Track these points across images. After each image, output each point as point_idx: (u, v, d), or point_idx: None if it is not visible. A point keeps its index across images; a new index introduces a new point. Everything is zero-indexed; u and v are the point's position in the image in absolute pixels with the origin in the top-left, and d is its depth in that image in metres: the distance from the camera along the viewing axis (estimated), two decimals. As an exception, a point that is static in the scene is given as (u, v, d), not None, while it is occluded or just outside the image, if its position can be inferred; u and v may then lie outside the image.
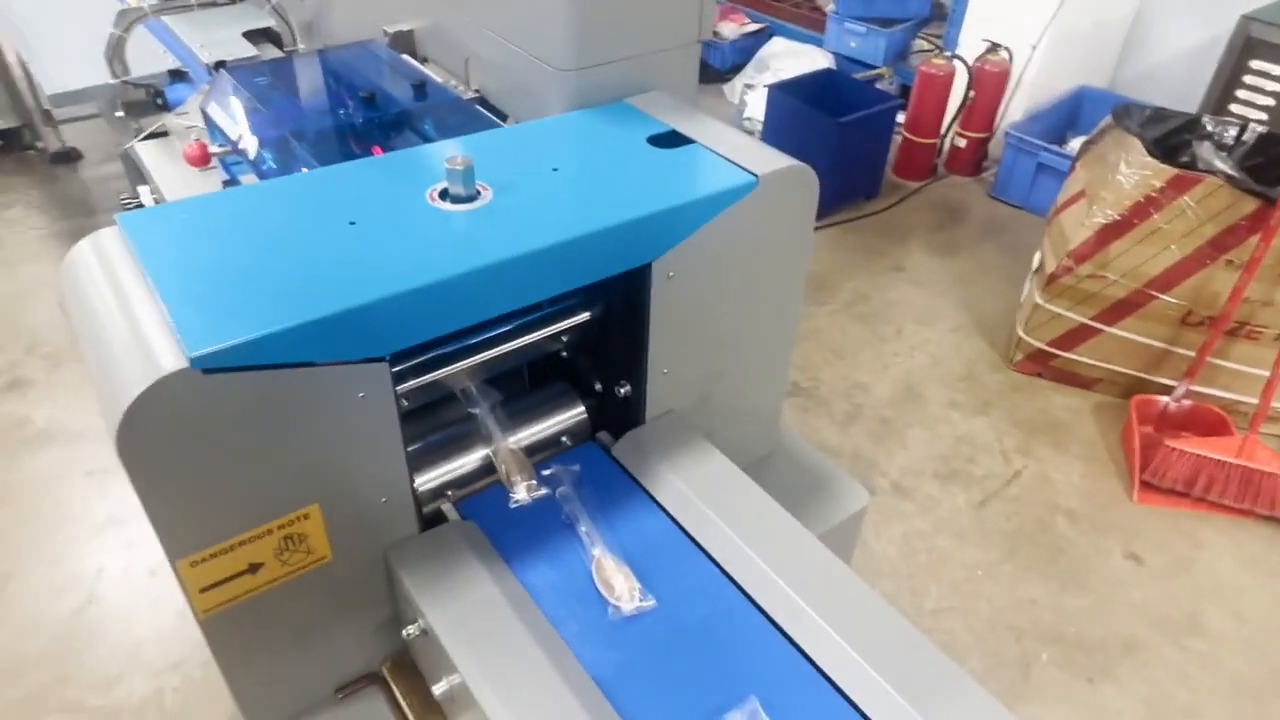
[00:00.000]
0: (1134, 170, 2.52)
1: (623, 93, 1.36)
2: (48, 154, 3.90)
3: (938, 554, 2.35)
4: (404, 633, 1.09)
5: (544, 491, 1.21)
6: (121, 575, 2.20)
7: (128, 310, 0.92)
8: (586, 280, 1.10)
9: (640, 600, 1.09)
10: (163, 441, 0.87)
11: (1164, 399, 2.63)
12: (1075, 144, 3.51)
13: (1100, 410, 2.82)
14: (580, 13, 1.25)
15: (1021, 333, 2.87)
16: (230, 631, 1.05)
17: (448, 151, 1.10)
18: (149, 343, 0.87)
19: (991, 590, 2.26)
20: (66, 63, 2.20)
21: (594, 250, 1.07)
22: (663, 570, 1.14)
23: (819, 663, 1.02)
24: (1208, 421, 2.57)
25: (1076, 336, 2.76)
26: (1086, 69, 4.00)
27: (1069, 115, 3.98)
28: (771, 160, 1.21)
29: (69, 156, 3.91)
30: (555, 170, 1.17)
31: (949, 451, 2.66)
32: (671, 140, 1.25)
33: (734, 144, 1.25)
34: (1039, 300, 2.76)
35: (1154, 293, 2.57)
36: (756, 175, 1.17)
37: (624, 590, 1.10)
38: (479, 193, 1.10)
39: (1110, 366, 2.78)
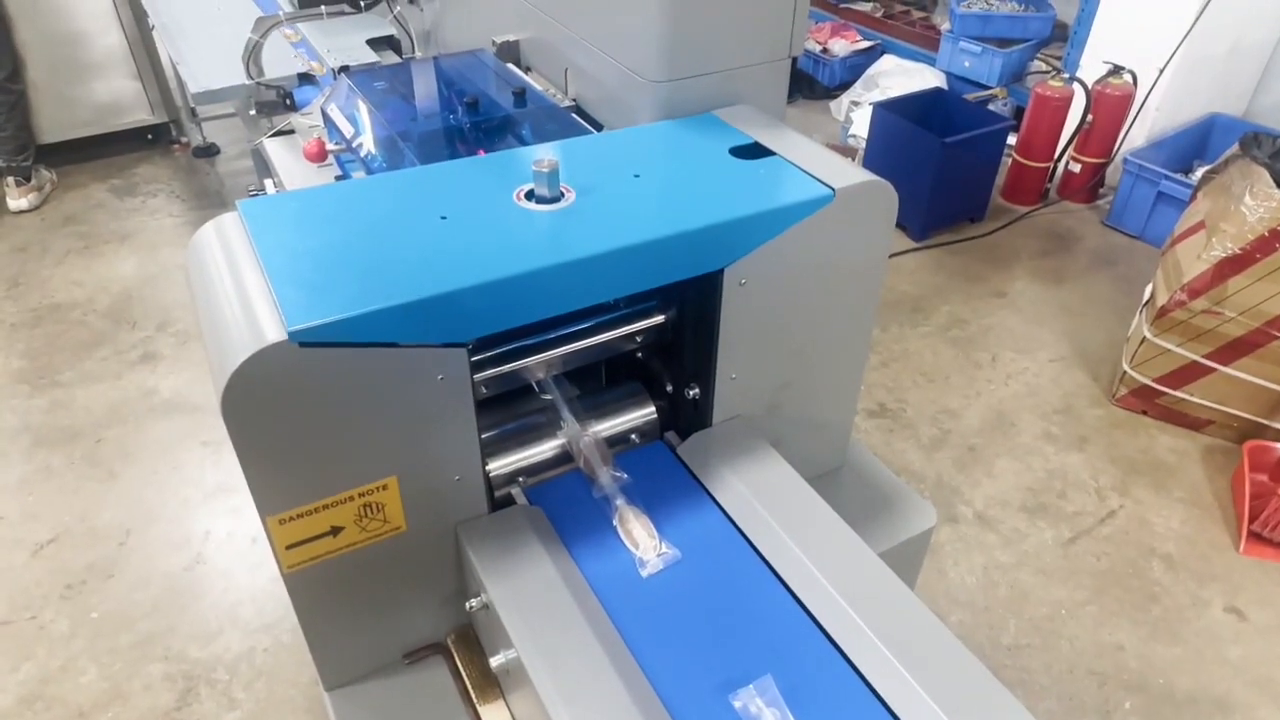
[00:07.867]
0: (1259, 202, 2.38)
1: (711, 105, 1.39)
2: (191, 148, 4.25)
3: (1019, 589, 2.27)
4: (467, 605, 1.16)
5: (625, 478, 1.26)
6: (226, 538, 2.37)
7: (240, 286, 1.01)
8: (656, 283, 1.14)
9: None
10: (261, 406, 0.95)
11: (1281, 446, 2.48)
12: (1201, 174, 3.34)
13: (1209, 454, 2.67)
14: (672, 27, 1.29)
15: (1127, 367, 2.74)
16: (311, 589, 1.13)
17: (536, 155, 1.16)
18: (255, 316, 0.95)
19: (1075, 631, 2.17)
20: (209, 65, 2.40)
21: (664, 254, 1.10)
22: (714, 564, 1.16)
23: (867, 676, 1.03)
24: (1329, 473, 2.40)
25: (1187, 374, 2.62)
26: (1219, 95, 3.79)
27: (1197, 143, 3.77)
28: (850, 175, 1.22)
29: (209, 151, 4.25)
30: (637, 176, 1.22)
31: (1039, 485, 2.57)
32: (753, 152, 1.28)
33: (815, 157, 1.26)
34: (1148, 334, 2.63)
35: (1275, 333, 2.42)
36: (833, 189, 1.19)
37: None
38: (563, 194, 1.16)
39: (1223, 408, 2.63)
